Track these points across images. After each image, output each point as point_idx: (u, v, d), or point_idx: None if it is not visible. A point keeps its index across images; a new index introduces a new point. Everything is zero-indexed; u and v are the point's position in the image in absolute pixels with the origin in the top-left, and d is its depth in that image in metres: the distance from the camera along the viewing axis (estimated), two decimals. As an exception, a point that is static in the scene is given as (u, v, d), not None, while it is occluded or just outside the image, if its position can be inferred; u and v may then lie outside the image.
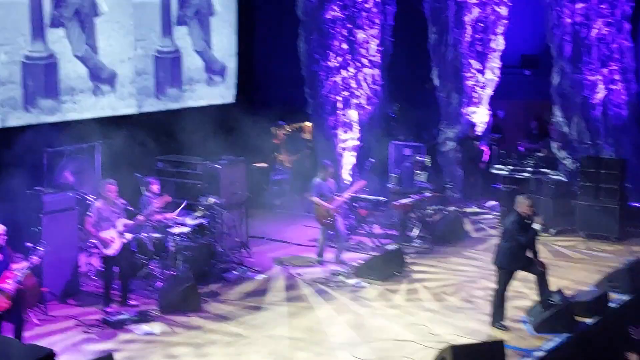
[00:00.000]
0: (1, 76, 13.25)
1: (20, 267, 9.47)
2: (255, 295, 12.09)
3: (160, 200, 12.00)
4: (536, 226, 10.60)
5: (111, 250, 11.21)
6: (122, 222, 11.29)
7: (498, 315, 10.76)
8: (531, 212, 10.67)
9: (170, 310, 11.20)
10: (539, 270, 10.83)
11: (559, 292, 11.15)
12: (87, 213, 11.37)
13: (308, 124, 18.57)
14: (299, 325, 10.95)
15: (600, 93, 16.04)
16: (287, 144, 18.67)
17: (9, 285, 9.29)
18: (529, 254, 10.76)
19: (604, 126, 16.08)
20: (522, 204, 10.67)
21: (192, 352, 10.07)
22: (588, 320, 10.93)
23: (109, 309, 11.16)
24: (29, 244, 9.94)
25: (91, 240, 12.13)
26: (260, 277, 12.94)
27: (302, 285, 12.56)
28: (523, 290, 11.84)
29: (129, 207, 11.58)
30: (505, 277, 10.72)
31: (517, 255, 10.63)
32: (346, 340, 10.42)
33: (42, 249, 9.75)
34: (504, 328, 10.68)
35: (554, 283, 12.20)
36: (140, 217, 11.59)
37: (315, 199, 13.50)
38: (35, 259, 9.60)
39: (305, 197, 13.73)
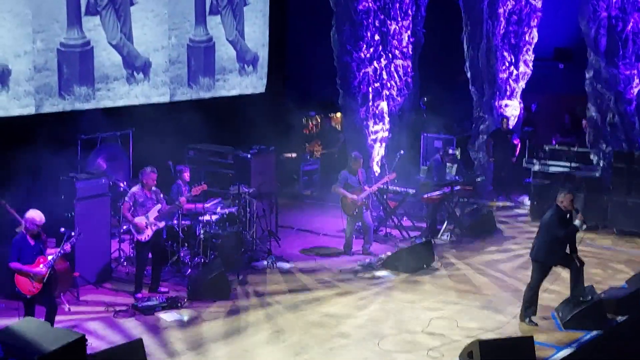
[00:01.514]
0: (37, 63, 13.38)
1: (53, 253, 9.58)
2: (284, 285, 12.13)
3: (197, 189, 12.06)
4: (577, 222, 10.50)
5: (144, 236, 11.32)
6: (156, 208, 11.39)
7: (529, 310, 10.71)
8: (572, 207, 10.60)
9: (199, 298, 11.28)
10: (576, 266, 10.74)
11: (591, 288, 11.09)
12: (124, 198, 11.48)
13: (339, 115, 18.58)
14: (326, 315, 10.98)
15: (635, 88, 15.85)
16: (318, 134, 18.71)
17: (42, 269, 9.40)
18: (567, 250, 10.68)
19: (638, 121, 15.91)
20: (564, 198, 10.58)
21: (221, 339, 10.14)
22: (619, 318, 10.85)
23: (139, 295, 11.27)
24: (62, 230, 10.06)
25: (124, 226, 12.25)
26: (288, 266, 12.99)
27: (329, 276, 12.59)
28: (552, 287, 11.78)
29: (161, 195, 11.68)
30: (540, 271, 10.66)
31: (554, 249, 10.55)
32: (372, 331, 10.44)
33: (75, 236, 9.85)
34: (534, 324, 10.63)
35: (587, 279, 12.15)
36: (177, 204, 11.68)
37: (341, 190, 13.50)
38: (67, 246, 9.70)
39: (332, 188, 13.75)
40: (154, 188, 11.50)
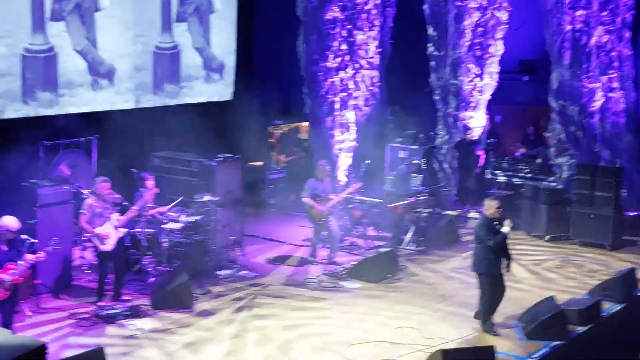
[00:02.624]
0: (0, 68, 13.22)
1: (26, 260, 9.46)
2: (248, 294, 12.08)
3: (150, 193, 12.00)
4: (505, 229, 10.51)
5: (107, 246, 11.22)
6: (116, 216, 11.30)
7: (488, 321, 10.75)
8: (499, 214, 10.61)
9: (162, 306, 11.19)
10: (500, 292, 10.74)
11: (552, 298, 11.17)
12: (80, 211, 11.35)
13: (305, 123, 18.58)
14: (291, 324, 10.95)
15: (599, 101, 16.05)
16: (284, 143, 18.69)
17: (8, 277, 9.27)
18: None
19: (601, 134, 16.11)
20: (490, 207, 10.60)
21: (183, 348, 10.07)
22: (580, 329, 10.95)
23: (101, 303, 11.16)
24: (23, 237, 9.91)
25: (86, 234, 12.12)
26: (253, 275, 12.94)
27: (294, 285, 12.56)
28: (514, 295, 11.87)
29: (124, 202, 11.59)
30: (486, 282, 10.65)
31: (492, 259, 10.55)
32: (337, 340, 10.43)
33: (52, 245, 9.71)
34: (496, 333, 10.68)
35: (548, 290, 12.27)
36: (133, 209, 11.59)
37: (308, 200, 13.50)
38: (42, 255, 9.58)
39: (301, 197, 13.74)
40: (114, 196, 11.40)
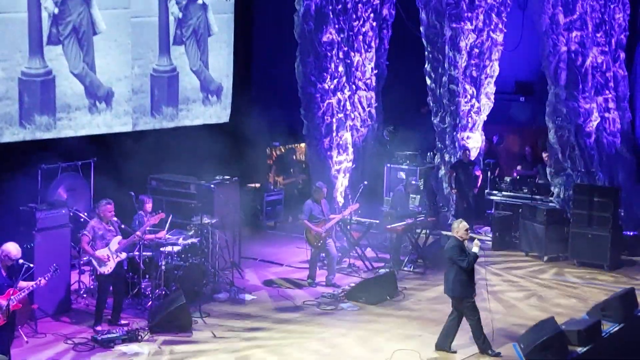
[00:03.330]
0: (-2, 92, 13.25)
1: (24, 287, 9.43)
2: (246, 317, 12.05)
3: (155, 218, 11.99)
4: (475, 250, 10.54)
5: (106, 269, 11.19)
6: (117, 240, 11.28)
7: (485, 343, 10.70)
8: (467, 236, 10.61)
9: (160, 330, 11.15)
10: (462, 315, 10.70)
11: (552, 319, 11.15)
12: (83, 232, 11.34)
13: (302, 145, 18.61)
14: (289, 348, 10.91)
15: (595, 121, 16.11)
16: (281, 164, 18.70)
17: (5, 303, 9.24)
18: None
19: (597, 154, 16.15)
20: (458, 229, 10.61)
21: (182, 373, 10.04)
22: (580, 349, 10.91)
23: (99, 328, 11.12)
24: (21, 262, 9.87)
25: (84, 258, 12.10)
26: (251, 298, 12.91)
27: (292, 308, 12.52)
28: (514, 319, 11.85)
29: (122, 226, 11.57)
30: (465, 305, 10.61)
31: (464, 281, 10.53)
32: (337, 363, 10.40)
33: (52, 271, 9.68)
34: (496, 353, 10.64)
35: (546, 310, 12.24)
36: (137, 234, 11.57)
37: (306, 222, 13.50)
38: (42, 281, 9.56)
39: (297, 219, 13.74)
40: (115, 219, 11.39)
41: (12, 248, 9.35)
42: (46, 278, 9.57)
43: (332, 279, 13.57)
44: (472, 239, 10.62)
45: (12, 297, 9.26)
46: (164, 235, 12.26)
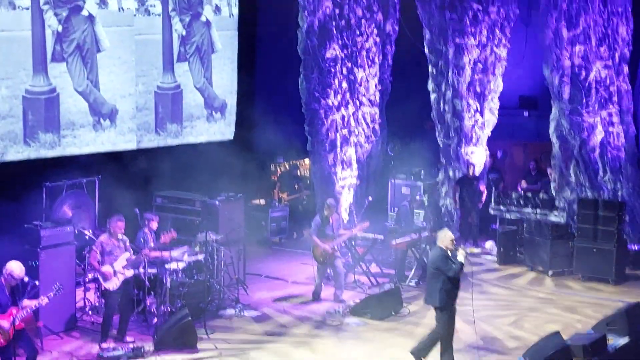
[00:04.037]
0: (2, 110, 13.30)
1: (27, 306, 9.43)
2: (252, 333, 12.03)
3: (167, 236, 11.96)
4: (460, 258, 10.52)
5: (112, 285, 11.19)
6: (124, 257, 11.28)
7: (445, 355, 10.62)
8: (452, 246, 10.60)
9: (165, 347, 11.14)
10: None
11: (557, 334, 11.11)
12: (92, 246, 11.34)
13: (306, 161, 18.63)
14: (295, 364, 10.90)
15: (599, 135, 16.11)
16: (285, 181, 18.72)
17: (4, 324, 9.23)
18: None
19: (601, 168, 16.14)
20: (444, 238, 10.60)
21: (187, 390, 10.02)
22: (586, 364, 10.87)
23: (104, 345, 11.10)
24: (26, 280, 9.88)
25: (90, 274, 12.10)
26: (256, 314, 12.89)
27: (298, 324, 12.50)
28: (517, 332, 11.80)
29: (127, 244, 11.56)
30: (445, 317, 10.57)
31: (449, 290, 10.50)
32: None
33: (55, 290, 9.68)
34: None
35: (553, 325, 12.20)
36: (145, 252, 11.57)
37: (314, 239, 13.49)
38: (45, 300, 9.56)
39: (305, 235, 13.72)
40: (121, 236, 11.40)
41: (16, 267, 9.36)
42: (49, 297, 9.57)
43: (340, 295, 13.54)
44: (456, 249, 10.62)
45: (16, 316, 9.26)
46: (169, 254, 12.21)
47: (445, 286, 10.46)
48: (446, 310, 10.55)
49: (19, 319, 9.29)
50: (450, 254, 10.55)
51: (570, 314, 13.14)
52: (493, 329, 12.31)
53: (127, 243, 11.50)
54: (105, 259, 11.19)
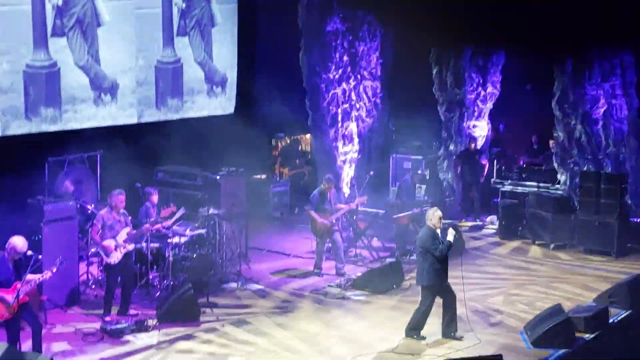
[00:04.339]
0: (3, 85, 13.26)
1: (31, 280, 9.46)
2: (254, 306, 12.07)
3: (167, 210, 11.99)
4: (449, 238, 10.55)
5: (113, 259, 11.22)
6: (125, 231, 11.30)
7: (416, 329, 10.71)
8: (440, 224, 10.62)
9: (168, 320, 11.18)
10: (450, 299, 10.73)
11: (559, 306, 11.15)
12: (93, 221, 11.36)
13: (307, 136, 18.61)
14: (296, 336, 10.94)
15: (602, 108, 16.06)
16: (286, 156, 18.71)
17: (9, 298, 9.27)
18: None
19: (604, 141, 16.10)
20: (432, 217, 10.63)
21: (191, 362, 10.07)
22: (587, 336, 10.92)
23: (107, 318, 11.15)
24: (29, 253, 9.91)
25: (92, 249, 12.13)
26: (258, 288, 12.93)
27: (299, 297, 12.55)
28: (519, 304, 11.85)
29: (129, 218, 11.58)
30: (431, 295, 10.64)
31: (438, 270, 10.54)
32: (344, 351, 10.40)
33: (58, 264, 9.71)
34: (422, 337, 10.67)
35: (555, 298, 12.24)
36: (146, 226, 11.59)
37: (313, 213, 13.51)
38: (48, 274, 9.59)
39: (304, 210, 13.74)
40: (122, 210, 11.41)
41: (19, 241, 9.39)
42: (52, 271, 9.61)
43: (342, 268, 13.59)
44: (445, 228, 10.64)
45: (19, 290, 9.30)
46: (170, 223, 12.22)
47: (434, 265, 10.51)
48: (434, 288, 10.59)
49: (23, 293, 9.33)
50: (439, 233, 10.57)
51: (571, 287, 13.18)
52: (493, 302, 12.34)
53: (129, 218, 11.52)
54: (107, 233, 11.21)
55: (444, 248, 10.48)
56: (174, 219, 12.21)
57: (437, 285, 10.62)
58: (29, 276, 9.46)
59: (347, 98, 16.72)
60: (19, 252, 9.39)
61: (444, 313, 10.79)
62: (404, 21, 15.90)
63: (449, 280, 10.87)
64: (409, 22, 15.70)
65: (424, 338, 10.71)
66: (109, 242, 11.19)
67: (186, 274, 12.17)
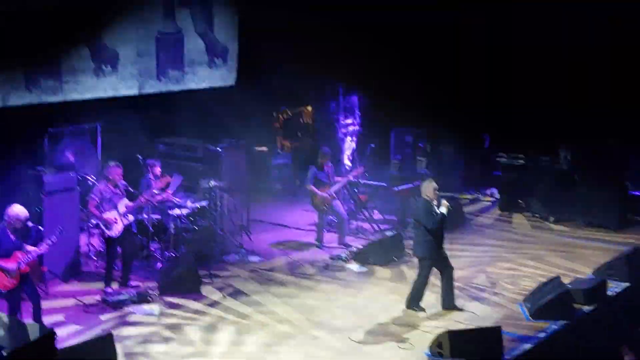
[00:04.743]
0: (3, 56, 13.21)
1: (32, 250, 9.50)
2: (255, 279, 12.12)
3: (162, 182, 12.03)
4: (442, 210, 10.56)
5: (114, 231, 11.25)
6: (124, 203, 11.32)
7: (415, 300, 10.78)
8: (436, 196, 10.64)
9: (169, 292, 11.24)
10: (449, 272, 10.76)
11: (558, 278, 11.20)
12: (91, 195, 11.38)
13: (309, 108, 18.56)
14: (297, 308, 11.00)
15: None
16: (288, 128, 18.67)
17: (12, 266, 9.32)
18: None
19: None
20: (427, 188, 10.65)
21: (191, 333, 10.12)
22: (586, 308, 10.97)
23: (109, 289, 11.21)
24: (30, 225, 9.94)
25: (93, 220, 12.16)
26: (259, 260, 12.98)
27: (300, 269, 12.60)
28: (518, 276, 11.91)
29: (129, 189, 11.60)
30: (427, 266, 10.68)
31: (431, 241, 10.56)
32: (343, 323, 10.47)
33: (57, 233, 9.74)
34: (421, 309, 10.73)
35: (553, 270, 12.28)
36: (142, 199, 11.61)
37: (310, 188, 13.53)
38: (49, 243, 9.62)
39: (303, 184, 13.76)
40: (123, 182, 11.42)
41: (19, 210, 9.43)
42: (52, 240, 9.64)
43: (344, 241, 13.63)
44: (440, 200, 10.66)
45: (21, 260, 9.34)
46: (170, 194, 12.23)
47: (427, 237, 10.53)
48: (428, 260, 10.63)
49: (24, 263, 9.37)
50: (435, 205, 10.58)
51: (570, 259, 13.22)
52: (491, 274, 12.39)
53: (128, 188, 11.52)
54: (106, 206, 11.23)
55: (436, 220, 10.49)
56: (172, 187, 12.19)
57: (432, 257, 10.65)
58: (30, 247, 9.50)
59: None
60: (22, 219, 9.41)
61: (443, 285, 10.85)
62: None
63: (447, 253, 10.92)
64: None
65: (423, 310, 10.78)
66: (109, 215, 11.21)
67: (187, 246, 12.22)
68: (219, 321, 10.51)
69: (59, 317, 10.41)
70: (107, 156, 13.23)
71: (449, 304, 10.82)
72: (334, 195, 13.62)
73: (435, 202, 10.66)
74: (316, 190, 13.48)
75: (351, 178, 14.26)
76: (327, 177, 13.65)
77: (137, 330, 10.14)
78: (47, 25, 12.97)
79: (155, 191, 11.99)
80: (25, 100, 13.61)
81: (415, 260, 12.93)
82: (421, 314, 10.74)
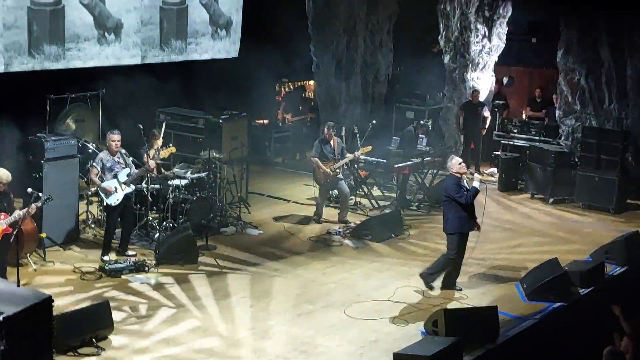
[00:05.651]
0: (7, 20, 13.11)
1: (15, 213, 9.54)
2: (252, 251, 12.15)
3: (166, 151, 12.01)
4: (476, 184, 10.56)
5: (113, 200, 11.25)
6: (125, 172, 11.32)
7: (434, 274, 10.79)
8: (464, 171, 10.64)
9: (167, 261, 11.27)
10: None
11: (555, 260, 11.22)
12: (92, 163, 11.37)
13: (311, 82, 18.52)
14: (294, 282, 11.03)
15: (606, 63, 15.94)
16: (290, 101, 18.64)
17: None
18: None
19: (607, 97, 16.03)
20: (453, 165, 10.64)
21: (188, 303, 10.15)
22: (583, 290, 11.01)
23: (106, 258, 11.23)
24: (30, 190, 9.95)
25: (93, 188, 12.17)
26: (257, 232, 13.00)
27: (298, 243, 12.62)
28: (516, 257, 11.92)
29: (129, 157, 11.59)
30: (457, 242, 10.65)
31: (464, 217, 10.55)
32: (340, 298, 10.50)
33: (43, 199, 9.75)
34: (431, 287, 10.77)
35: (552, 252, 12.31)
36: (144, 168, 11.60)
37: (315, 160, 13.51)
38: (33, 208, 9.63)
39: (306, 157, 13.74)
40: (123, 151, 11.41)
41: (2, 173, 9.51)
42: (37, 205, 9.66)
43: (345, 216, 13.63)
44: (471, 174, 10.65)
45: (2, 220, 9.39)
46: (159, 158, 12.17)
47: (459, 213, 10.52)
48: (458, 235, 10.62)
49: (6, 224, 9.44)
50: (463, 180, 10.58)
51: (568, 242, 13.24)
52: (489, 254, 12.42)
53: (130, 159, 11.52)
54: (107, 175, 11.23)
55: (470, 195, 10.49)
56: (161, 153, 12.11)
57: (463, 233, 10.63)
58: (16, 212, 9.56)
59: (352, 45, 16.60)
60: (4, 182, 9.54)
61: (440, 260, 10.84)
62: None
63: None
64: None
65: (432, 287, 10.78)
66: (109, 184, 11.21)
67: (186, 216, 12.23)
68: (215, 292, 10.53)
69: (57, 282, 10.43)
70: (108, 124, 13.22)
71: (449, 283, 10.83)
72: (337, 171, 13.59)
73: (464, 177, 10.63)
74: (320, 164, 13.46)
75: (359, 155, 14.20)
76: (333, 151, 13.60)
77: (132, 299, 10.16)
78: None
79: (156, 160, 11.97)
80: (28, 66, 13.54)
81: (414, 237, 13.00)
82: (420, 292, 10.76)
